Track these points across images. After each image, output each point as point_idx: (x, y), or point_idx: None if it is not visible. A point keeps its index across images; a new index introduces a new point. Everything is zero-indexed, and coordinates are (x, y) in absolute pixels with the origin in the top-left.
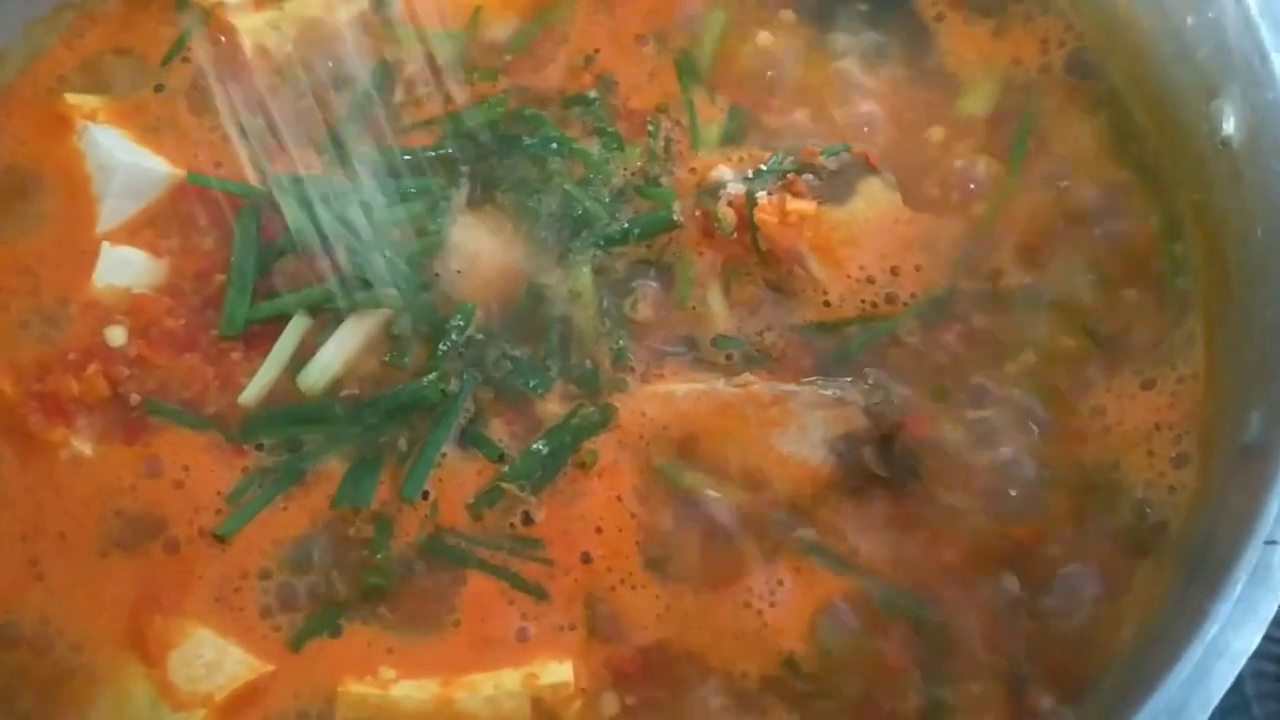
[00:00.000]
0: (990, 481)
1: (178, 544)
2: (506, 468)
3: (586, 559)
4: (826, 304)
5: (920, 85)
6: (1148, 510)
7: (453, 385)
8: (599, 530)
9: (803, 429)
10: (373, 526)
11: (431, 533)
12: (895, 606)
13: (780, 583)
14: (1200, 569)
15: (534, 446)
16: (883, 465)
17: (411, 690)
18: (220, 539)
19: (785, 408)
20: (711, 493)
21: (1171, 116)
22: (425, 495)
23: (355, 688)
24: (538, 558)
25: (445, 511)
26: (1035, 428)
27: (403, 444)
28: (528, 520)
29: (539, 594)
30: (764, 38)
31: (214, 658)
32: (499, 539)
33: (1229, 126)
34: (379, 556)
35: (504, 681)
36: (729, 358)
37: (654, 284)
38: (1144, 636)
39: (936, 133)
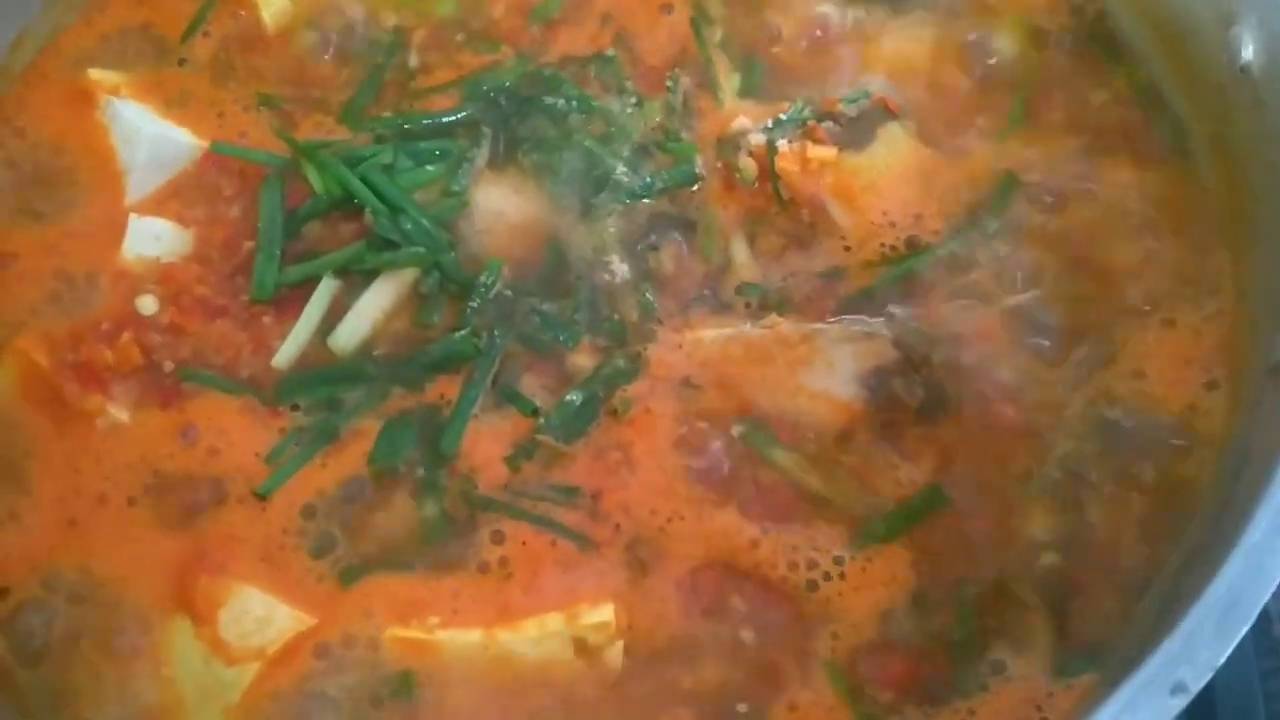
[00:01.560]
0: (1020, 411)
1: (219, 505)
2: (541, 420)
3: (625, 504)
4: (849, 249)
5: (942, 28)
6: (1181, 431)
7: (484, 340)
8: (637, 475)
9: (831, 365)
10: (412, 481)
11: (473, 486)
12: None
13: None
14: (1236, 488)
15: (567, 398)
16: (914, 396)
17: (457, 633)
18: (261, 497)
19: (813, 345)
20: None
21: (1188, 48)
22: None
23: (401, 632)
24: (579, 506)
25: (484, 465)
26: (1061, 361)
27: (437, 400)
28: (566, 470)
29: (582, 541)
30: None
31: (263, 613)
32: (540, 490)
33: (1248, 53)
34: (422, 510)
35: (547, 623)
36: (748, 305)
37: (678, 237)
38: (1184, 556)
39: (956, 76)
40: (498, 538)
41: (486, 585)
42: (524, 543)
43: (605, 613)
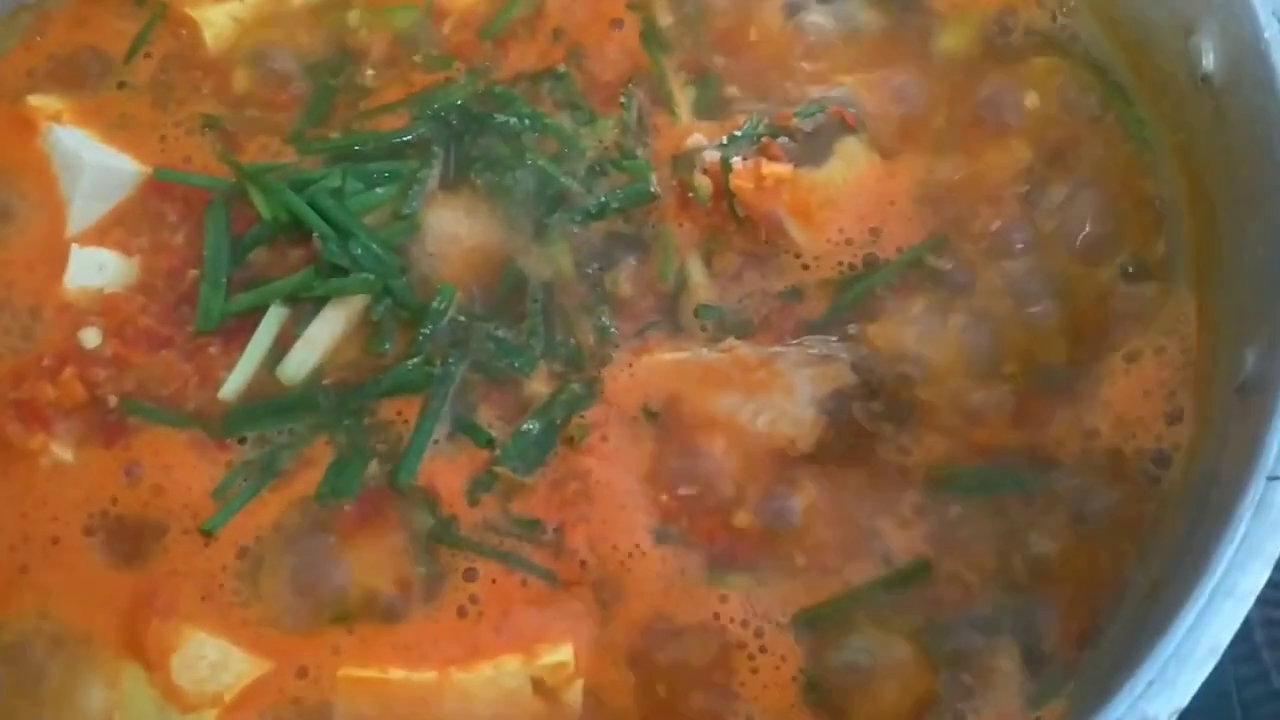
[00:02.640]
0: (980, 432)
1: (166, 544)
2: (498, 451)
3: (589, 538)
4: (806, 268)
5: (897, 36)
6: (1147, 466)
7: (438, 368)
8: (596, 507)
9: (790, 389)
10: (369, 516)
11: (431, 522)
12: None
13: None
14: (1203, 513)
15: (524, 427)
16: (873, 420)
17: (411, 673)
18: (208, 534)
19: (771, 369)
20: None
21: (1148, 58)
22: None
23: (355, 672)
24: (540, 541)
25: (443, 498)
26: (1020, 390)
27: (394, 418)
28: (526, 502)
29: (545, 575)
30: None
31: (217, 657)
32: (503, 525)
33: (1208, 63)
34: (381, 546)
35: (504, 663)
36: (704, 328)
37: (633, 257)
38: (1150, 585)
39: (914, 86)
40: (470, 575)
41: (455, 625)
42: (494, 581)
43: (564, 653)
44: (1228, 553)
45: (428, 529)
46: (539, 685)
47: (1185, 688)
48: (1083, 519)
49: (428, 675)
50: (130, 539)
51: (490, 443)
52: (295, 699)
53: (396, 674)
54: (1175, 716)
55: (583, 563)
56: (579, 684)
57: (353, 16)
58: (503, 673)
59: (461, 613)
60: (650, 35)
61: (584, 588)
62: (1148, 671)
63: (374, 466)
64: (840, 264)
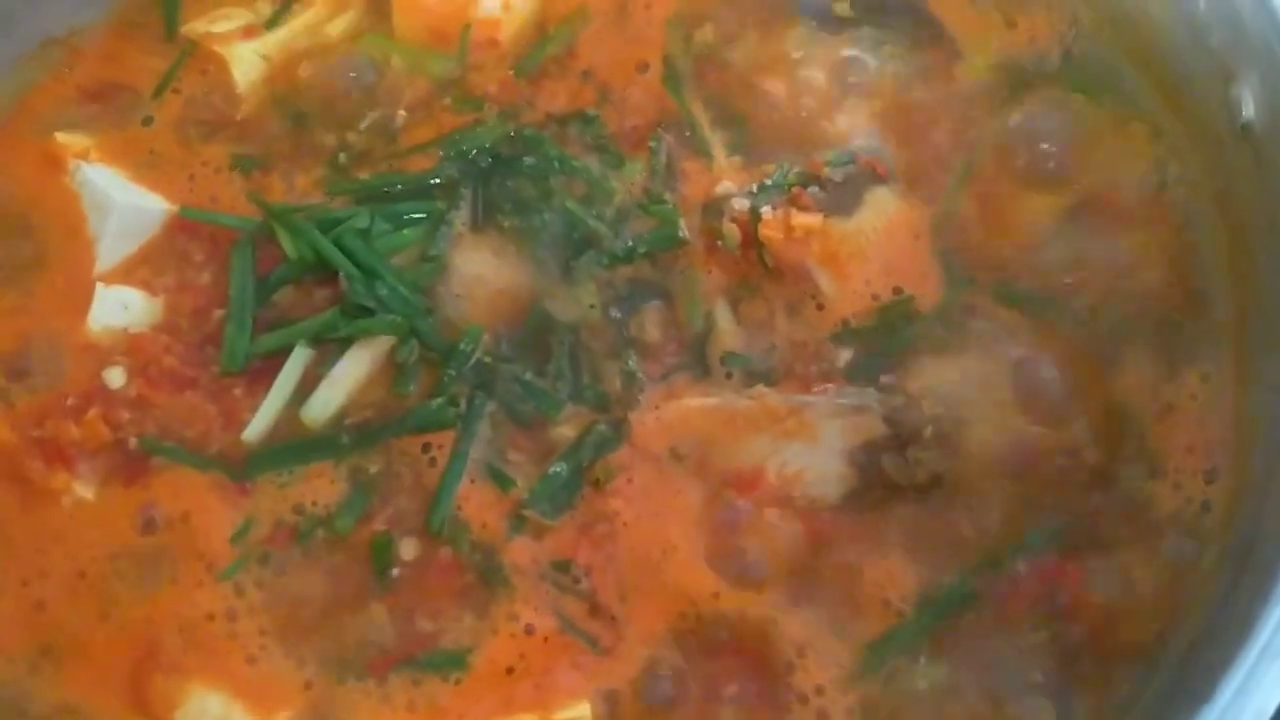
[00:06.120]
0: (1011, 486)
1: (179, 590)
2: (526, 494)
3: (617, 577)
4: (836, 318)
5: (926, 84)
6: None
7: (462, 409)
8: (624, 549)
9: (819, 440)
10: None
11: (458, 565)
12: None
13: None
14: (1245, 574)
15: (552, 471)
16: (905, 475)
17: None
18: (222, 581)
19: (801, 419)
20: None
21: (1187, 105)
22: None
23: None
24: (574, 590)
25: (478, 542)
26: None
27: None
28: (555, 544)
29: (589, 640)
30: (766, 47)
31: (221, 712)
32: (535, 568)
33: (1248, 111)
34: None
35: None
36: (730, 375)
37: (660, 302)
38: (1190, 645)
39: (942, 133)
40: (530, 630)
41: (502, 682)
42: (546, 639)
43: (581, 710)
44: (1274, 614)
45: (474, 566)
46: None
47: None
48: (1120, 570)
49: None
50: (144, 583)
51: (514, 486)
52: None
53: None
54: None
55: (612, 618)
56: None
57: (384, 60)
58: None
59: (510, 671)
60: (674, 80)
61: (611, 637)
62: None
63: (404, 511)
64: (868, 314)
